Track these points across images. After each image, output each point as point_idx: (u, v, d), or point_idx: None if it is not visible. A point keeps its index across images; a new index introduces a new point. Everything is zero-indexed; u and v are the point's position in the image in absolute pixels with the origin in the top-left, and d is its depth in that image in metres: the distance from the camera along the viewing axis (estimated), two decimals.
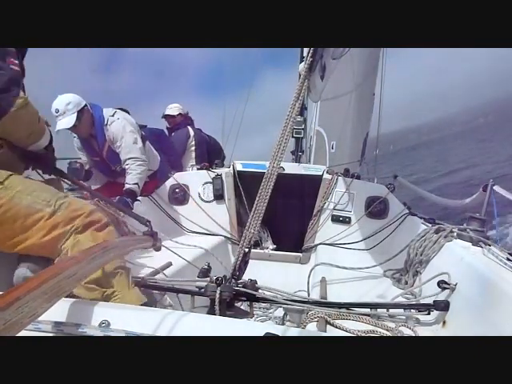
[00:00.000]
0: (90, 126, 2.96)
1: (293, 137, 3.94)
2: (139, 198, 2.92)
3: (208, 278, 1.35)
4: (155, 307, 1.57)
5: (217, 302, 1.22)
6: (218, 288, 1.24)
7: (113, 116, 2.99)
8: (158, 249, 1.79)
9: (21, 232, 1.29)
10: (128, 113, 3.19)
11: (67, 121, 2.77)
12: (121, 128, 2.95)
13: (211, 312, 1.23)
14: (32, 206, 1.29)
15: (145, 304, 1.38)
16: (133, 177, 2.87)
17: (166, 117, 4.60)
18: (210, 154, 4.52)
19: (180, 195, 3.20)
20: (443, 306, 1.48)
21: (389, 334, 1.37)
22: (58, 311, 0.92)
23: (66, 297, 1.02)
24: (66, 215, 1.33)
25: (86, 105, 2.90)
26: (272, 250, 3.13)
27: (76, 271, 0.80)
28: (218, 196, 3.20)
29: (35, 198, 1.30)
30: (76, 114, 2.79)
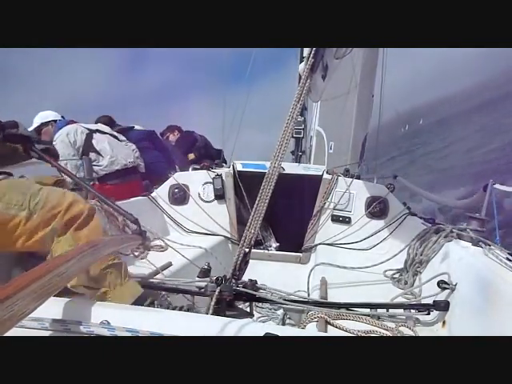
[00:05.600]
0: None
1: (293, 137, 3.94)
2: (139, 197, 2.94)
3: (208, 278, 1.35)
4: (155, 307, 1.56)
5: (216, 302, 1.22)
6: (218, 288, 1.23)
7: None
8: (146, 247, 1.78)
9: (3, 238, 1.25)
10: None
11: None
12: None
13: (211, 312, 1.23)
14: (6, 212, 1.23)
15: (143, 304, 1.38)
16: None
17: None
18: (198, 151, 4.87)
19: (180, 195, 3.20)
20: (443, 306, 1.48)
21: (389, 333, 1.37)
22: (58, 311, 0.92)
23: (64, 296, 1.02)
24: (44, 216, 1.27)
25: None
26: (275, 248, 3.16)
27: (66, 269, 0.80)
28: (219, 196, 3.20)
29: (6, 203, 1.24)
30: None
